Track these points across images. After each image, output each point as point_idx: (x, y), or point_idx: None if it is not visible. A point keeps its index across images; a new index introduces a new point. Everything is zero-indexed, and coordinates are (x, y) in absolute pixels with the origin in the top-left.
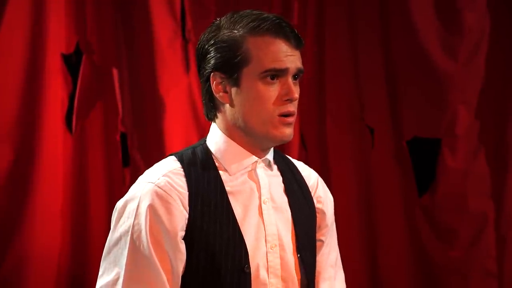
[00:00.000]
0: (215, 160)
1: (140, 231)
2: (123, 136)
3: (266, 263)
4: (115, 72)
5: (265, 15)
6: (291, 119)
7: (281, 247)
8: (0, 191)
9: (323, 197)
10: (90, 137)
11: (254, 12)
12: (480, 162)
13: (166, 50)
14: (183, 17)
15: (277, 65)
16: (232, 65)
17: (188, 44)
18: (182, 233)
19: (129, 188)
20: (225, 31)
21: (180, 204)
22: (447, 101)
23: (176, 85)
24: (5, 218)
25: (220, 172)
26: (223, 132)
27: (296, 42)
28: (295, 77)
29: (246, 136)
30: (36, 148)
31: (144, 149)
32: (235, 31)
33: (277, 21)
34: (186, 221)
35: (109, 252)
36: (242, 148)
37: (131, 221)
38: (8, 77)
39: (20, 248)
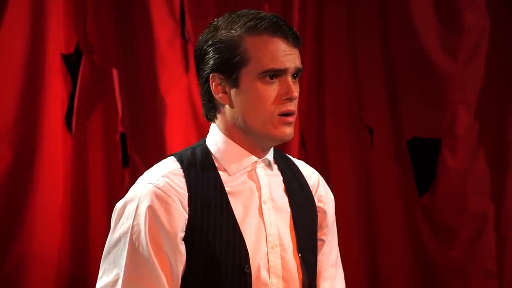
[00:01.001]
0: (214, 161)
1: (140, 232)
2: (123, 136)
3: (267, 264)
4: (115, 72)
5: (262, 14)
6: (291, 119)
7: (282, 247)
8: (0, 191)
9: (324, 196)
10: (90, 137)
11: (252, 11)
12: (480, 162)
13: (166, 50)
14: (183, 17)
15: (276, 65)
16: (230, 66)
17: (187, 44)
18: (182, 234)
19: (128, 189)
20: (223, 32)
21: (180, 205)
22: (447, 101)
23: (175, 85)
24: (5, 218)
25: (220, 172)
26: (223, 133)
27: (294, 40)
28: (294, 76)
29: (246, 136)
30: (36, 148)
31: (143, 150)
32: (233, 31)
33: (275, 19)
34: (186, 222)
35: (108, 253)
36: (241, 148)
37: (130, 222)
38: (8, 77)
39: (20, 248)
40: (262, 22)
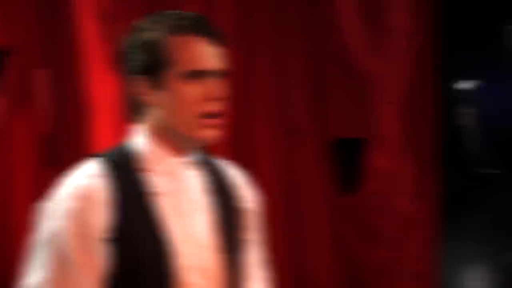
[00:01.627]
0: (139, 162)
1: (62, 233)
2: (49, 138)
3: (191, 265)
4: (40, 72)
5: (185, 14)
6: (216, 121)
7: (206, 247)
8: None
9: (249, 196)
10: (15, 139)
11: (175, 12)
12: (405, 162)
13: (91, 48)
14: (108, 16)
15: (199, 66)
16: (153, 67)
17: (112, 42)
18: (105, 235)
19: (48, 191)
20: (145, 32)
21: (103, 206)
22: (372, 101)
23: (102, 85)
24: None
25: (144, 173)
26: (147, 134)
27: (218, 40)
28: (218, 76)
29: (170, 138)
30: None
31: (70, 151)
32: (155, 32)
33: (197, 19)
34: (109, 223)
35: (32, 254)
36: (166, 150)
37: (53, 223)
38: None
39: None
40: (185, 22)
